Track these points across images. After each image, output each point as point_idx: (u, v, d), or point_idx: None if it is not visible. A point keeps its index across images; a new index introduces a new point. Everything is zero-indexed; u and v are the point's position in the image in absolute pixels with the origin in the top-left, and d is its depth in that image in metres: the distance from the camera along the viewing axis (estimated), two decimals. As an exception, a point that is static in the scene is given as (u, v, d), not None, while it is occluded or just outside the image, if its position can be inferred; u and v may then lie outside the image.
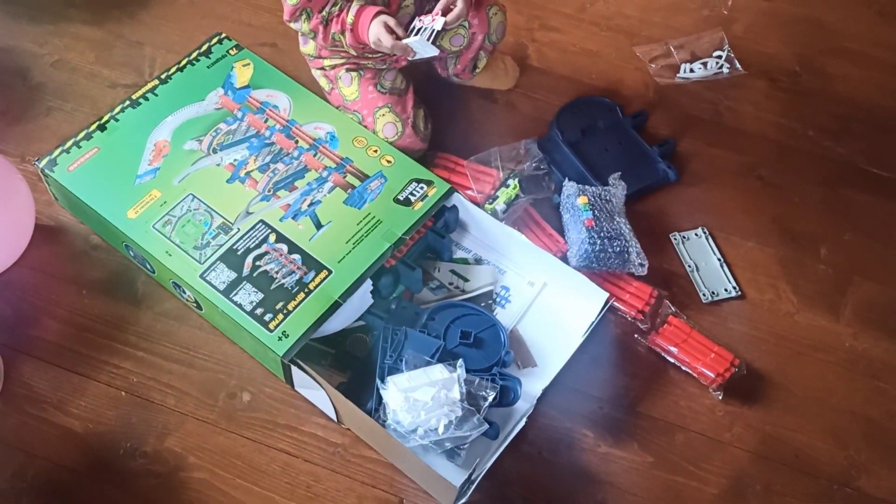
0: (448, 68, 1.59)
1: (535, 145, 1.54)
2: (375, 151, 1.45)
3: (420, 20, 1.35)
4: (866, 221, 1.55)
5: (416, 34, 1.34)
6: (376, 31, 1.34)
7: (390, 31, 1.34)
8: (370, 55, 1.46)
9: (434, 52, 1.37)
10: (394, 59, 1.48)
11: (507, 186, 1.46)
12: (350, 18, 1.36)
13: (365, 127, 1.48)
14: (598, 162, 1.55)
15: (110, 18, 1.69)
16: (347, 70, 1.49)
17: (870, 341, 1.41)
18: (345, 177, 1.42)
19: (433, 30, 1.33)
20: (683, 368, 1.36)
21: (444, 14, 1.34)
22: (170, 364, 1.32)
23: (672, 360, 1.36)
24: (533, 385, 1.29)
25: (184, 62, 1.54)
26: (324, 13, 1.38)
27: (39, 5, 1.69)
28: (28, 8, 1.68)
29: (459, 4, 1.35)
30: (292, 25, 1.42)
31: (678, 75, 1.72)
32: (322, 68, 1.53)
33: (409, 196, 1.40)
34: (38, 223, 1.40)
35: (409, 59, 1.42)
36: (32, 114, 1.56)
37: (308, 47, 1.52)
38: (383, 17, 1.34)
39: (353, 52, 1.43)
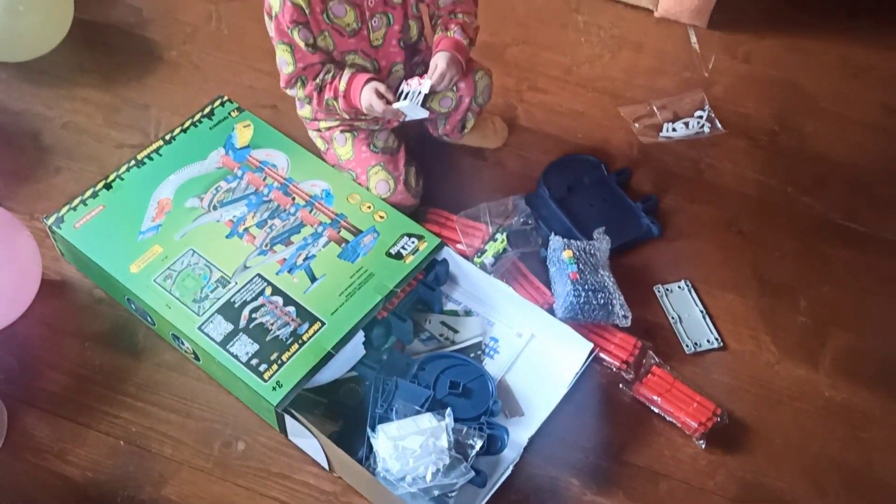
0: (438, 128, 1.67)
1: (522, 201, 1.60)
2: (369, 207, 1.51)
3: (408, 84, 1.43)
4: (844, 274, 1.60)
5: (404, 97, 1.42)
6: (367, 98, 1.42)
7: (381, 96, 1.41)
8: (363, 117, 1.53)
9: (424, 114, 1.44)
10: (385, 120, 1.56)
11: (496, 240, 1.52)
12: (342, 86, 1.44)
13: (359, 184, 1.55)
14: (584, 217, 1.61)
15: (118, 83, 1.78)
16: (342, 131, 1.56)
17: (848, 391, 1.45)
18: (339, 232, 1.48)
19: (420, 92, 1.41)
20: (667, 418, 1.39)
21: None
22: (167, 414, 1.36)
23: (656, 409, 1.40)
24: (520, 434, 1.33)
25: (187, 124, 1.61)
26: (317, 80, 1.46)
27: (52, 71, 1.78)
28: (41, 73, 1.77)
29: (441, 64, 1.42)
30: (288, 92, 1.50)
31: (661, 134, 1.79)
32: (318, 130, 1.60)
33: (401, 250, 1.46)
34: (45, 278, 1.46)
35: (401, 120, 1.50)
36: (42, 173, 1.63)
37: (304, 111, 1.60)
38: (374, 84, 1.42)
39: (346, 116, 1.50)
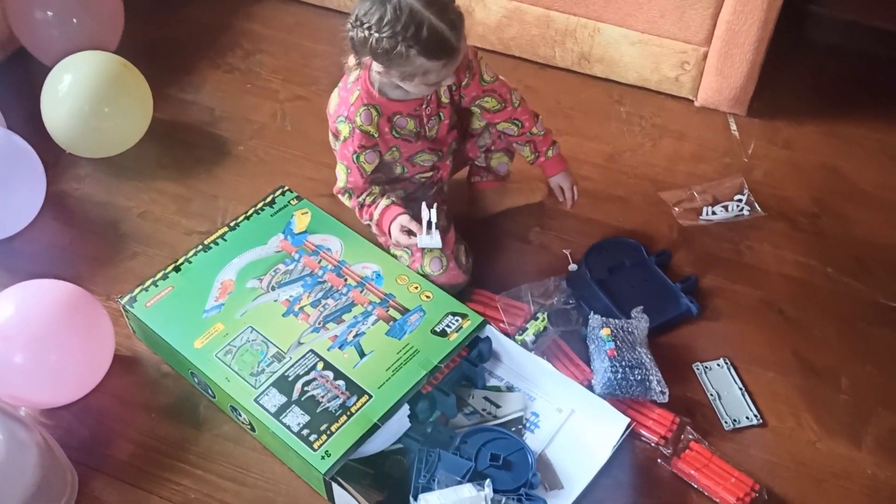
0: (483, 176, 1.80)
1: (563, 282, 1.67)
2: (416, 288, 1.60)
3: (426, 211, 1.56)
4: (886, 354, 1.61)
5: (427, 227, 1.56)
6: (396, 235, 1.57)
7: (405, 229, 1.55)
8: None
9: (438, 244, 1.56)
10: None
11: (537, 319, 1.59)
12: (376, 215, 1.59)
13: (412, 263, 1.64)
14: (624, 297, 1.67)
15: (191, 176, 1.94)
16: None
17: (892, 470, 1.45)
18: (387, 311, 1.57)
19: (431, 224, 1.55)
20: (705, 493, 1.41)
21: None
22: (224, 482, 1.44)
23: (694, 484, 1.42)
24: (558, 506, 1.37)
25: (251, 211, 1.75)
26: (360, 199, 1.60)
27: (132, 165, 1.95)
28: (122, 168, 1.94)
29: (566, 185, 1.73)
30: (339, 197, 1.64)
31: (701, 217, 1.85)
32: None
33: (446, 328, 1.54)
34: (117, 353, 1.58)
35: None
36: (119, 258, 1.77)
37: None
38: (399, 220, 1.56)
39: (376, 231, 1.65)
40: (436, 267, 1.61)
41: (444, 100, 1.59)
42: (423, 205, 1.55)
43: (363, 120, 1.53)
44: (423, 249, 1.61)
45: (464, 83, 1.58)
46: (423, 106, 1.57)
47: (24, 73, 2.09)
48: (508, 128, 1.67)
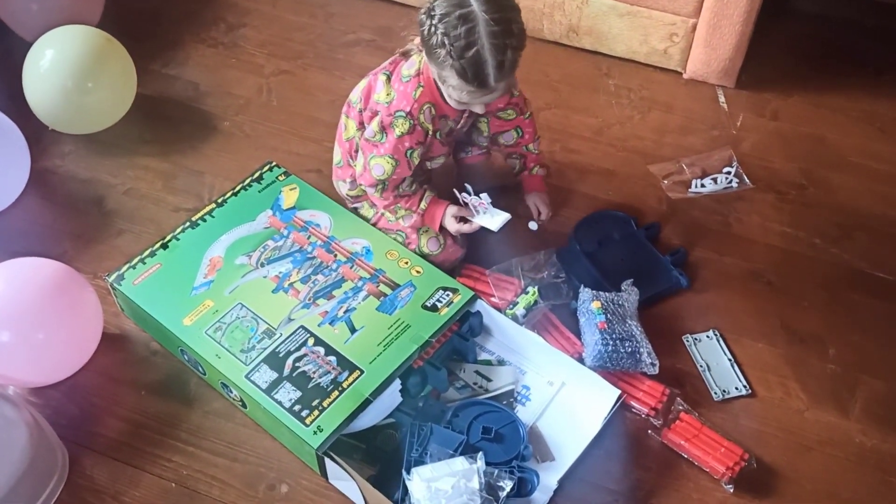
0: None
1: (553, 255, 1.67)
2: (406, 263, 1.60)
3: (469, 197, 1.57)
4: (872, 323, 1.63)
5: (477, 211, 1.58)
6: (454, 227, 1.59)
7: (459, 219, 1.57)
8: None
9: (507, 216, 1.57)
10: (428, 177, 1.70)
11: (527, 293, 1.59)
12: (423, 206, 1.59)
13: (408, 244, 1.63)
14: (614, 270, 1.67)
15: (176, 151, 1.91)
16: None
17: (879, 437, 1.47)
18: (378, 286, 1.56)
19: (487, 207, 1.56)
20: (695, 463, 1.42)
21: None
22: (216, 458, 1.44)
23: (684, 454, 1.43)
24: (550, 477, 1.38)
25: (238, 188, 1.73)
26: (399, 190, 1.59)
27: (116, 142, 1.92)
28: (106, 145, 1.92)
29: (542, 207, 1.72)
30: (367, 189, 1.62)
31: (690, 190, 1.85)
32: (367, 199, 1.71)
33: (436, 303, 1.54)
34: (105, 332, 1.57)
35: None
36: (105, 236, 1.76)
37: (355, 191, 1.71)
38: (450, 210, 1.58)
39: (405, 224, 1.63)
40: (433, 246, 1.61)
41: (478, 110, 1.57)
42: (464, 194, 1.57)
43: (426, 118, 1.51)
44: (417, 231, 1.61)
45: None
46: (465, 113, 1.57)
47: (3, 49, 2.06)
48: (509, 135, 1.68)
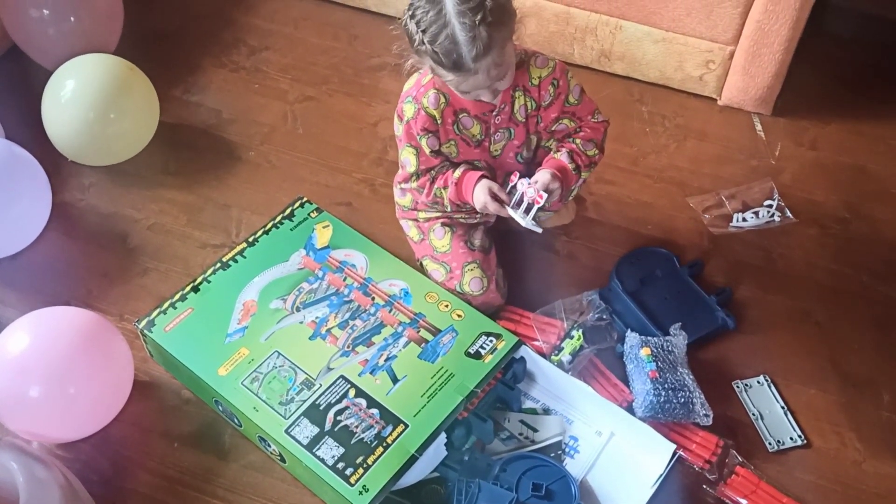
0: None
1: (597, 296, 1.62)
2: (447, 306, 1.54)
3: (522, 182, 1.44)
4: (926, 366, 1.58)
5: (516, 203, 1.45)
6: (482, 197, 1.47)
7: (494, 196, 1.46)
8: (464, 208, 1.58)
9: (538, 230, 1.46)
10: (485, 214, 1.61)
11: (572, 337, 1.54)
12: (456, 174, 1.50)
13: (450, 279, 1.57)
14: (659, 311, 1.62)
15: (200, 184, 1.85)
16: (442, 224, 1.61)
17: (939, 490, 1.43)
18: (418, 332, 1.51)
19: (537, 207, 1.43)
20: (754, 520, 1.38)
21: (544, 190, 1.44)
22: (255, 516, 1.39)
23: (742, 511, 1.38)
24: (605, 537, 1.33)
25: (269, 225, 1.67)
26: (432, 173, 1.53)
27: (139, 173, 1.86)
28: (129, 176, 1.85)
29: (542, 179, 1.45)
30: (403, 185, 1.57)
31: (731, 224, 1.80)
32: (415, 220, 1.65)
33: (480, 349, 1.48)
34: (135, 379, 1.51)
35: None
36: (130, 275, 1.69)
37: (405, 199, 1.65)
38: (487, 182, 1.47)
39: (448, 209, 1.56)
40: (476, 287, 1.55)
41: (519, 118, 1.50)
42: (517, 175, 1.46)
43: (430, 102, 1.46)
44: (463, 267, 1.55)
45: (544, 103, 1.50)
46: (494, 113, 1.49)
47: (20, 76, 1.99)
48: (563, 125, 1.54)
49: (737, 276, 1.72)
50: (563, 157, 1.51)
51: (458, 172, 1.51)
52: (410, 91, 1.50)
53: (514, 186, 1.47)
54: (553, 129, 1.55)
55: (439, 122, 1.48)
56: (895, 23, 2.20)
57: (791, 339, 1.62)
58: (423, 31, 1.31)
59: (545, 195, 1.43)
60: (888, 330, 1.64)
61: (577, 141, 1.54)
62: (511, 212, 1.46)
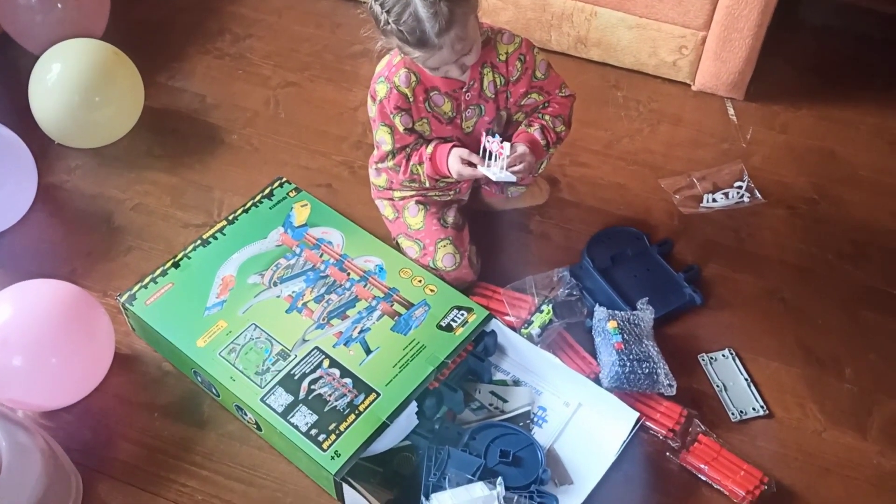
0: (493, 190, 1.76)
1: (567, 273, 1.66)
2: (420, 281, 1.59)
3: (487, 140, 1.48)
4: (888, 341, 1.62)
5: (487, 156, 1.48)
6: (456, 167, 1.51)
7: (466, 162, 1.50)
8: (442, 183, 1.62)
9: (511, 178, 1.50)
10: (458, 187, 1.66)
11: (542, 312, 1.58)
12: (429, 150, 1.54)
13: (423, 256, 1.62)
14: (628, 287, 1.66)
15: (184, 165, 1.89)
16: (416, 202, 1.65)
17: (897, 458, 1.47)
18: (392, 305, 1.55)
19: (505, 157, 1.46)
20: (715, 486, 1.42)
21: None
22: (231, 483, 1.43)
23: (703, 477, 1.42)
24: (569, 502, 1.37)
25: (249, 204, 1.72)
26: (407, 150, 1.57)
27: (123, 156, 1.90)
28: (113, 159, 1.89)
29: (519, 149, 1.49)
30: (379, 165, 1.62)
31: (701, 205, 1.85)
32: (391, 199, 1.69)
33: (451, 322, 1.52)
34: (117, 352, 1.55)
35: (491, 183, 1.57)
36: (114, 253, 1.74)
37: (380, 179, 1.70)
38: (457, 151, 1.52)
39: (427, 184, 1.60)
40: (449, 262, 1.60)
41: (488, 94, 1.55)
42: (485, 133, 1.50)
43: (401, 81, 1.50)
44: (436, 243, 1.59)
45: (513, 78, 1.54)
46: (464, 90, 1.53)
47: (8, 61, 2.03)
48: (532, 98, 1.58)
49: (706, 255, 1.76)
50: (535, 132, 1.56)
51: (430, 148, 1.55)
52: (382, 72, 1.54)
53: (484, 147, 1.51)
54: (522, 103, 1.59)
55: (411, 99, 1.52)
56: (867, 11, 2.25)
57: (757, 316, 1.66)
58: (388, 12, 1.36)
59: (507, 145, 1.47)
60: (852, 307, 1.68)
61: (547, 117, 1.58)
62: (483, 170, 1.49)
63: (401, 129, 1.54)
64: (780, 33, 2.15)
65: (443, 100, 1.54)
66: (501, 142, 1.47)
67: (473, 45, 1.43)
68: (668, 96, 2.08)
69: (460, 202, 1.71)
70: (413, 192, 1.66)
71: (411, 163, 1.57)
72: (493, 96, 1.56)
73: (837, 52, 2.20)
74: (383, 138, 1.57)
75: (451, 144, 1.54)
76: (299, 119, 2.01)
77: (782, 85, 2.10)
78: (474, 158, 1.50)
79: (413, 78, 1.51)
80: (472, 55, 1.44)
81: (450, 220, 1.65)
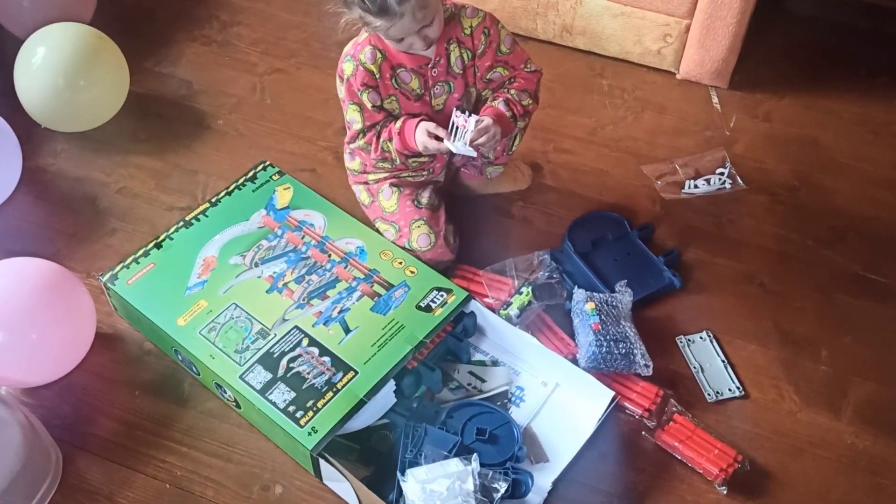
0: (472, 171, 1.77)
1: (547, 256, 1.67)
2: (400, 263, 1.60)
3: (457, 116, 1.49)
4: (864, 325, 1.63)
5: (456, 132, 1.49)
6: (422, 139, 1.52)
7: (432, 135, 1.51)
8: (414, 162, 1.63)
9: (472, 153, 1.51)
10: (431, 166, 1.66)
11: (521, 293, 1.59)
12: (398, 125, 1.55)
13: (399, 237, 1.63)
14: (608, 271, 1.67)
15: (169, 150, 1.91)
16: (390, 184, 1.66)
17: (870, 439, 1.48)
18: (372, 286, 1.56)
19: (468, 130, 1.47)
20: (689, 464, 1.43)
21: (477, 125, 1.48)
22: (210, 459, 1.44)
23: (678, 456, 1.44)
24: (544, 479, 1.38)
25: (232, 187, 1.73)
26: (377, 128, 1.57)
27: (109, 140, 1.91)
28: (99, 143, 1.91)
29: (486, 121, 1.49)
30: (351, 146, 1.63)
31: (683, 191, 1.86)
32: (365, 182, 1.70)
33: (430, 303, 1.54)
34: (99, 331, 1.56)
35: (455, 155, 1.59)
36: (98, 235, 1.75)
37: (354, 163, 1.71)
38: (424, 124, 1.53)
39: (398, 161, 1.60)
40: (424, 242, 1.61)
41: (456, 69, 1.55)
42: (455, 110, 1.51)
43: (367, 58, 1.51)
44: (410, 224, 1.60)
45: (478, 52, 1.55)
46: (430, 66, 1.54)
47: (-4, 46, 2.05)
48: (497, 73, 1.58)
49: (686, 240, 1.77)
50: (500, 105, 1.56)
51: (399, 123, 1.56)
52: (348, 51, 1.55)
53: (453, 122, 1.51)
54: (488, 77, 1.59)
55: (378, 76, 1.53)
56: (852, 1, 2.26)
57: (735, 300, 1.68)
58: None
59: (472, 119, 1.47)
60: (830, 291, 1.69)
61: (512, 91, 1.58)
62: (448, 144, 1.50)
63: (369, 105, 1.54)
64: (765, 23, 2.17)
65: (410, 76, 1.54)
66: (468, 116, 1.48)
67: (435, 15, 1.43)
68: (652, 85, 2.10)
69: (436, 183, 1.72)
70: (386, 174, 1.67)
71: (381, 139, 1.58)
72: (462, 72, 1.57)
73: (822, 41, 2.21)
74: (353, 117, 1.58)
75: (418, 118, 1.55)
76: (285, 105, 2.02)
77: (766, 74, 2.12)
78: (440, 131, 1.51)
79: (379, 55, 1.51)
80: (435, 27, 1.45)
81: (424, 200, 1.66)
